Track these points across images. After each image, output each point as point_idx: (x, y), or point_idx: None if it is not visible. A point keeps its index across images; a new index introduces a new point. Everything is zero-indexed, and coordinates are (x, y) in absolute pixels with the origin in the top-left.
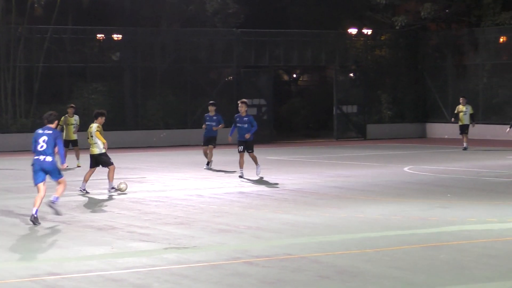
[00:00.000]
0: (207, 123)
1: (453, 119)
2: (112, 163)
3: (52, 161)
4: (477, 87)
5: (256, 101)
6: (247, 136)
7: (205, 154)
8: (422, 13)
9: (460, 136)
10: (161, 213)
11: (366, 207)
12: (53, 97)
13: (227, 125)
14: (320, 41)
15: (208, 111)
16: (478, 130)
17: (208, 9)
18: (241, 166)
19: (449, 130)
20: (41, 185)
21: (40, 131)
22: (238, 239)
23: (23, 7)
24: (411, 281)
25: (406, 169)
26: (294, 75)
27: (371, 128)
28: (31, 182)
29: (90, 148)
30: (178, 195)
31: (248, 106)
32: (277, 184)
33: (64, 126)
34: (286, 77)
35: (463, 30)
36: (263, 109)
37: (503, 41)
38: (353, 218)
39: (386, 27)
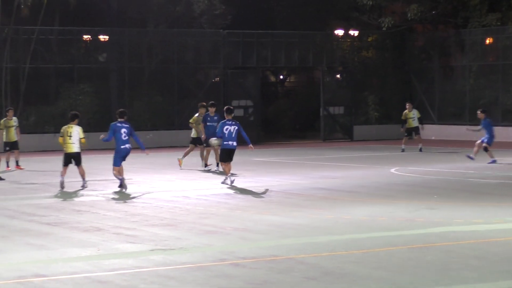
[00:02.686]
0: (208, 123)
1: (402, 129)
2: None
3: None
4: (463, 88)
5: (243, 102)
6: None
7: (202, 154)
8: (408, 14)
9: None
10: (148, 215)
11: (353, 208)
12: (40, 98)
13: None
14: (307, 42)
15: (198, 112)
16: (467, 132)
17: (195, 10)
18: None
19: (436, 131)
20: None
21: (118, 124)
22: (225, 240)
23: (10, 8)
24: (397, 282)
25: (392, 170)
26: (281, 76)
27: (357, 129)
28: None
29: (66, 147)
30: (165, 196)
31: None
32: (263, 185)
33: (5, 129)
34: (273, 78)
35: (449, 31)
36: (250, 110)
37: (489, 42)
38: (339, 219)
39: (372, 28)
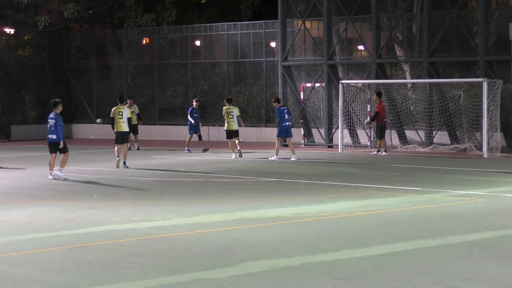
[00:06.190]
0: None
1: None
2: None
3: None
4: (121, 87)
5: None
6: None
7: None
8: (65, 14)
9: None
10: None
11: (11, 210)
12: None
13: None
14: None
15: None
16: None
17: None
18: None
19: (95, 130)
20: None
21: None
22: None
23: None
24: (58, 283)
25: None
26: None
27: (15, 129)
28: None
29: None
30: None
31: None
32: None
33: None
34: None
35: (106, 31)
36: None
37: (145, 42)
38: None
39: (29, 26)
